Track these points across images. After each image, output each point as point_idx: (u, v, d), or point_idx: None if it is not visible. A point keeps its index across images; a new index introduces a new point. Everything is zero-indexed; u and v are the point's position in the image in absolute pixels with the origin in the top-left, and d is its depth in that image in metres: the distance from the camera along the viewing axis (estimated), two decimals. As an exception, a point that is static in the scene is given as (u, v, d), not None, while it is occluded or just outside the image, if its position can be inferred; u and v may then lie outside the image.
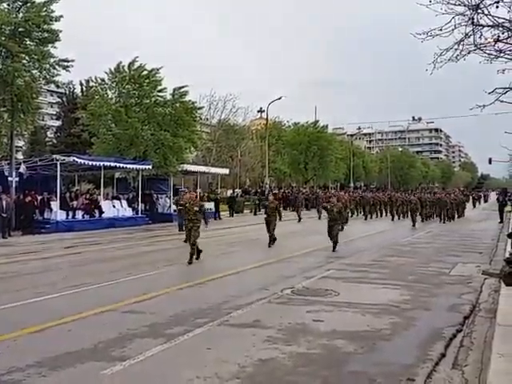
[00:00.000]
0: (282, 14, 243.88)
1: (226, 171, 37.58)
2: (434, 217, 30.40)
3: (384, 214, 33.93)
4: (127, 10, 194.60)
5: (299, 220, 28.60)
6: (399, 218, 30.14)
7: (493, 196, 73.53)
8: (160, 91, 30.34)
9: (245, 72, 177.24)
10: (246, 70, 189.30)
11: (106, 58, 48.62)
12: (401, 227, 24.76)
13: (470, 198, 55.78)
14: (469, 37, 8.63)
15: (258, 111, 57.48)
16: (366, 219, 30.59)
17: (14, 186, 22.09)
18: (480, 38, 8.67)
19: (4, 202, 19.51)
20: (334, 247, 14.92)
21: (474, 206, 51.04)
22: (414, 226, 24.84)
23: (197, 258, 12.53)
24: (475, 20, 8.46)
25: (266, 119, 48.86)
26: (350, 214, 28.87)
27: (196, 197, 13.84)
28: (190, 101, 31.31)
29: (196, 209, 12.62)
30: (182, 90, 30.68)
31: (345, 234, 19.82)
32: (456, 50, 8.74)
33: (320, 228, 19.41)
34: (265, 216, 16.41)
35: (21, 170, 22.38)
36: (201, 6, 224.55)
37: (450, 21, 8.30)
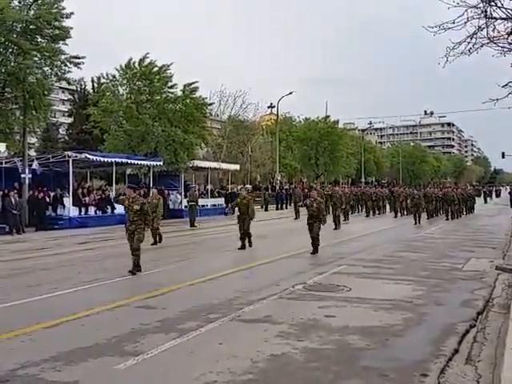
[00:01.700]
0: (284, 14, 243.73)
1: (236, 167, 37.61)
2: (440, 213, 28.66)
3: (387, 210, 31.90)
4: (127, 10, 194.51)
5: (296, 217, 26.41)
6: (402, 215, 28.41)
7: (504, 191, 72.56)
8: (170, 87, 30.49)
9: (245, 70, 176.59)
10: (246, 69, 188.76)
11: (109, 57, 49.08)
12: (406, 224, 23.32)
13: (482, 192, 55.20)
14: (482, 30, 8.57)
15: (269, 107, 57.44)
16: (367, 216, 28.97)
17: (27, 182, 22.29)
18: (493, 31, 8.60)
19: (13, 200, 19.69)
20: (315, 250, 13.12)
21: (486, 201, 50.32)
22: (416, 223, 23.09)
23: (134, 272, 10.17)
24: (488, 13, 8.38)
25: (277, 115, 48.85)
26: (350, 211, 27.23)
27: (140, 193, 11.13)
28: (200, 97, 31.40)
29: (136, 208, 10.40)
30: (193, 86, 30.76)
31: (347, 232, 19.78)
32: (469, 43, 8.67)
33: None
34: (237, 214, 14.70)
35: (33, 166, 22.56)
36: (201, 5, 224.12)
37: (463, 14, 8.24)
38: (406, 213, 28.37)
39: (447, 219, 26.39)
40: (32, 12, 22.01)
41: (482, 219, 27.95)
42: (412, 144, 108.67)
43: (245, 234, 14.41)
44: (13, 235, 19.09)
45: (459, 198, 28.75)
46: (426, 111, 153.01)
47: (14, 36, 21.34)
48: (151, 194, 17.98)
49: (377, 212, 30.56)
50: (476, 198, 38.39)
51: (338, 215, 21.19)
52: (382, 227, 22.05)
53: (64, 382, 4.74)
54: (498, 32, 8.65)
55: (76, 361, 5.25)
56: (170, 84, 30.39)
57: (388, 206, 32.46)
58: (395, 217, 28.27)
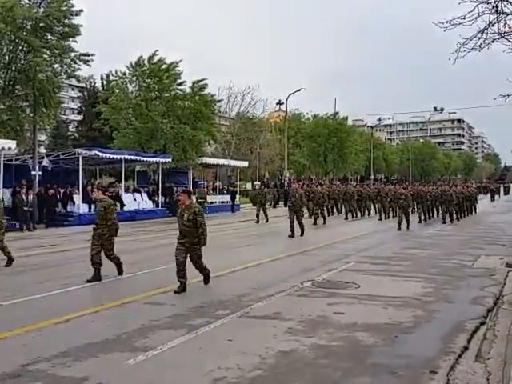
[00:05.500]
0: (297, 12, 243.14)
1: (245, 164, 37.61)
2: (435, 215, 24.52)
3: (373, 211, 27.19)
4: (139, 12, 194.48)
5: (266, 220, 22.70)
6: (387, 217, 24.34)
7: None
8: (179, 84, 30.52)
9: (254, 68, 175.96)
10: (255, 67, 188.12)
11: (119, 57, 49.03)
12: (390, 229, 19.44)
13: (488, 190, 54.10)
14: (493, 25, 8.50)
15: (277, 103, 57.29)
16: (346, 218, 24.67)
17: (37, 179, 22.43)
18: (504, 26, 8.53)
19: (24, 196, 19.83)
20: (206, 278, 8.89)
21: (493, 199, 48.42)
22: (399, 228, 18.79)
23: None
24: (499, 8, 8.32)
25: (285, 111, 48.68)
26: (326, 213, 23.94)
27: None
28: (209, 94, 31.41)
29: None
30: (201, 83, 30.77)
31: (332, 236, 19.57)
32: (479, 38, 8.61)
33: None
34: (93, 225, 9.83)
35: (44, 163, 22.69)
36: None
37: (474, 9, 8.18)
38: (393, 215, 24.02)
39: (444, 222, 22.21)
40: (42, 10, 22.06)
41: (491, 217, 27.73)
42: (422, 140, 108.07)
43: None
44: (23, 232, 19.23)
45: (459, 197, 24.66)
46: (436, 107, 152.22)
47: (24, 34, 21.40)
48: None
49: (359, 214, 26.45)
50: (479, 197, 36.76)
51: (300, 221, 16.86)
52: (357, 233, 17.99)
53: (74, 377, 4.78)
54: (510, 27, 8.59)
55: (86, 356, 5.30)
56: (178, 81, 30.43)
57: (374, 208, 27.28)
58: (380, 219, 24.15)
